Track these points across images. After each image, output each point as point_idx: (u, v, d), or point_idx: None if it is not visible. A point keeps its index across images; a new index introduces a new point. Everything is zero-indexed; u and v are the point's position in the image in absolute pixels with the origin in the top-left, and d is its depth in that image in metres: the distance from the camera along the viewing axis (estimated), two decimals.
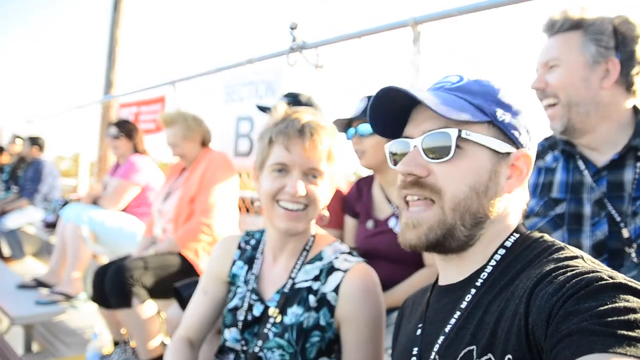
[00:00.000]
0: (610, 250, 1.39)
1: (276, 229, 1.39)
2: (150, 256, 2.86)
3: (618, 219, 1.38)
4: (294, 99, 2.62)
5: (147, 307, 2.71)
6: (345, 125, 2.15)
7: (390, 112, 0.99)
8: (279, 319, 1.36)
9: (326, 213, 1.45)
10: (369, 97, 2.12)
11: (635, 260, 1.35)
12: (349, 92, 3.13)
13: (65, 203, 4.77)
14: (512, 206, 0.95)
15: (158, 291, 2.77)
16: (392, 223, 2.07)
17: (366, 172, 2.36)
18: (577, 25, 1.44)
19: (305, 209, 1.36)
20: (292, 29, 3.26)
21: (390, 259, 2.04)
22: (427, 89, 1.00)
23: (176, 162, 3.43)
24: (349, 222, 2.31)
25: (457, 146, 0.89)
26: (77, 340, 3.57)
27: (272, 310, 1.37)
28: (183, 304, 2.21)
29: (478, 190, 0.89)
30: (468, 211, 0.89)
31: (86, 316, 4.00)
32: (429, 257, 1.99)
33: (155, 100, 5.18)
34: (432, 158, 0.91)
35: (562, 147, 1.56)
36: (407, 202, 0.96)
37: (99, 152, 7.03)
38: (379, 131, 1.04)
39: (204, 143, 3.21)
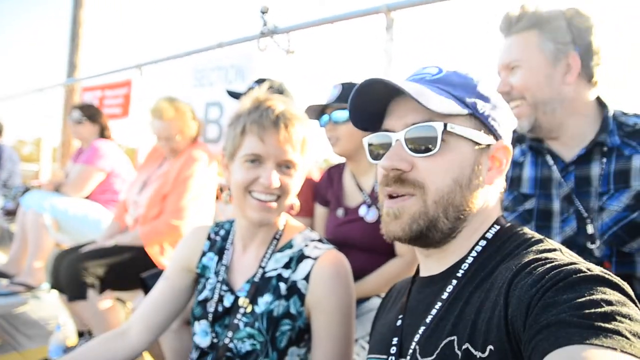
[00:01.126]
0: (579, 246, 1.40)
1: (248, 220, 1.37)
2: (110, 248, 2.79)
3: (585, 214, 1.39)
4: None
5: (104, 299, 2.66)
6: (318, 112, 2.12)
7: (369, 104, 0.97)
8: (249, 309, 1.33)
9: (296, 202, 1.43)
10: (343, 84, 2.09)
11: (597, 256, 1.36)
12: (320, 78, 3.10)
13: (26, 190, 4.59)
14: (492, 197, 0.96)
15: (116, 283, 2.72)
16: (362, 211, 2.06)
17: (337, 159, 2.34)
18: (532, 24, 1.44)
19: (278, 200, 1.34)
20: (263, 12, 3.19)
21: (360, 247, 2.03)
22: (405, 80, 0.98)
23: (154, 148, 3.30)
24: (320, 210, 2.29)
25: (442, 140, 0.88)
26: (40, 332, 3.45)
27: (242, 300, 1.35)
28: (148, 293, 2.17)
29: (461, 183, 0.89)
30: (451, 204, 0.89)
31: (49, 307, 3.88)
32: (400, 247, 1.99)
33: (121, 84, 5.02)
34: (416, 152, 0.90)
35: (530, 143, 1.57)
36: (389, 196, 0.95)
37: (61, 137, 6.81)
38: (358, 124, 1.02)
39: (194, 138, 3.07)
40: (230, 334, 1.33)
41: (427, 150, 0.89)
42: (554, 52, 1.41)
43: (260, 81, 2.61)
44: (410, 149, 0.90)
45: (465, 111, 0.90)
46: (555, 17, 1.42)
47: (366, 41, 2.84)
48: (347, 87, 2.07)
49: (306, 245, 1.39)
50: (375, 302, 1.97)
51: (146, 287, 2.19)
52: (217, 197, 3.94)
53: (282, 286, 1.33)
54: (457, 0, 2.38)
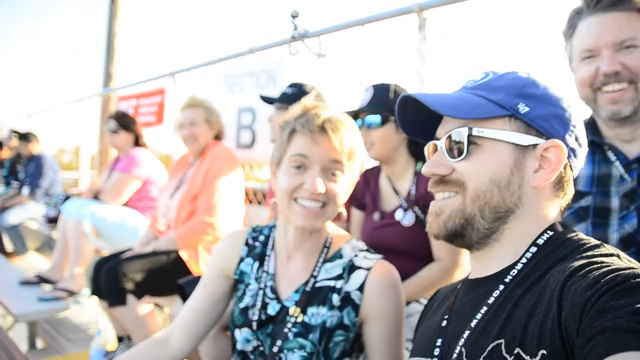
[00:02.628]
0: (639, 244, 1.34)
1: (293, 226, 1.36)
2: (147, 253, 2.84)
3: None
4: (298, 90, 2.57)
5: (143, 304, 2.70)
6: (352, 116, 2.09)
7: (422, 115, 1.00)
8: (300, 319, 1.33)
9: (343, 211, 1.41)
10: (374, 87, 2.06)
11: None
12: (352, 81, 3.07)
13: (67, 198, 4.73)
14: (543, 201, 0.92)
15: (154, 289, 2.77)
16: (399, 215, 2.03)
17: (371, 163, 2.31)
18: (637, 5, 1.32)
19: (324, 207, 1.32)
20: (293, 17, 3.19)
21: (397, 252, 1.99)
22: (452, 90, 1.03)
23: (182, 156, 3.37)
24: (356, 214, 2.26)
25: (472, 143, 0.91)
26: (81, 336, 3.54)
27: (293, 310, 1.34)
28: (186, 299, 2.18)
29: (499, 184, 0.89)
30: (488, 204, 0.90)
31: (90, 312, 3.97)
32: (439, 252, 1.94)
33: (155, 93, 5.12)
34: (452, 157, 0.94)
35: (592, 139, 1.47)
36: (435, 197, 1.00)
37: (99, 146, 7.00)
38: (412, 135, 1.08)
39: (218, 137, 3.16)
40: (279, 342, 1.32)
41: (460, 154, 0.93)
42: None
43: (293, 85, 2.61)
44: (449, 155, 0.95)
45: (503, 113, 0.90)
46: None
47: (398, 42, 2.79)
48: (378, 90, 2.04)
49: (356, 256, 1.38)
50: (413, 308, 1.93)
51: (183, 293, 2.20)
52: (250, 202, 3.96)
53: (335, 297, 1.33)
54: None
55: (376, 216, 2.10)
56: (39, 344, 3.42)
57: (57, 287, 3.58)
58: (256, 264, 1.47)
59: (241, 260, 1.49)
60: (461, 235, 0.92)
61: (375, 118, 2.00)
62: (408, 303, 1.93)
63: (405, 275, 1.93)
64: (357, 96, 2.14)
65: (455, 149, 0.93)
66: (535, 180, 0.90)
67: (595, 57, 1.37)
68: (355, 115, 2.07)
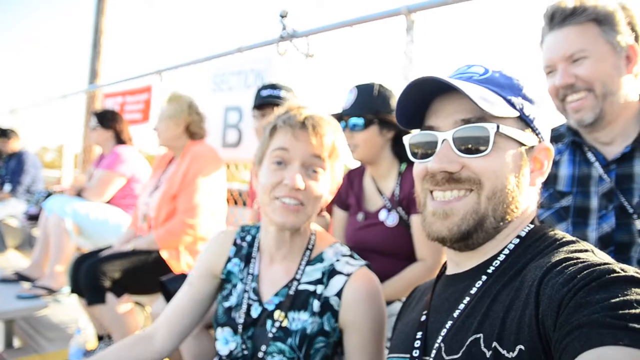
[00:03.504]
0: (617, 243, 1.38)
1: (273, 224, 1.34)
2: (127, 252, 2.81)
3: (631, 210, 1.37)
4: (272, 89, 2.60)
5: (123, 303, 2.67)
6: (336, 119, 2.09)
7: (411, 102, 0.96)
8: (285, 323, 1.31)
9: (327, 217, 1.41)
10: (358, 87, 2.06)
11: None
12: (340, 82, 3.08)
13: (49, 195, 4.66)
14: (532, 199, 0.96)
15: (134, 287, 2.75)
16: (382, 215, 2.03)
17: (355, 164, 2.31)
18: (592, 17, 1.40)
19: (304, 205, 1.31)
20: (282, 17, 3.19)
21: (380, 252, 2.00)
22: (452, 77, 0.97)
23: (163, 154, 3.35)
24: (339, 214, 2.25)
25: (494, 141, 0.87)
26: (60, 335, 3.48)
27: (278, 314, 1.33)
28: (169, 297, 2.16)
29: (512, 183, 0.89)
30: (502, 202, 0.89)
31: (69, 310, 3.91)
32: (422, 252, 1.95)
33: (142, 90, 5.08)
34: (466, 152, 0.89)
35: (572, 139, 1.53)
36: (433, 197, 0.93)
37: (83, 143, 6.91)
38: (403, 123, 1.01)
39: (191, 134, 3.09)
40: (264, 347, 1.31)
41: (478, 151, 0.88)
42: (618, 42, 1.39)
43: (269, 87, 2.63)
44: (459, 150, 0.89)
45: (514, 113, 0.90)
46: (613, 10, 1.40)
47: (386, 44, 2.81)
48: (362, 90, 2.05)
49: (337, 260, 1.36)
50: (396, 307, 1.93)
51: (166, 291, 2.18)
52: (235, 202, 3.94)
53: (315, 303, 1.31)
54: (478, 2, 2.34)
55: (360, 216, 2.10)
56: (16, 342, 3.36)
57: (36, 285, 3.51)
58: (242, 265, 1.46)
59: (229, 260, 1.48)
60: (469, 238, 0.89)
61: (359, 121, 2.00)
62: (390, 303, 1.93)
63: (388, 276, 1.94)
64: (344, 97, 2.14)
65: (471, 144, 0.88)
66: (531, 180, 0.93)
67: (554, 71, 1.46)
68: (339, 117, 2.06)
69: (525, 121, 0.92)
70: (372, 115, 2.00)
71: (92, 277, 2.61)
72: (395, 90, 2.08)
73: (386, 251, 1.99)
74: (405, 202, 1.99)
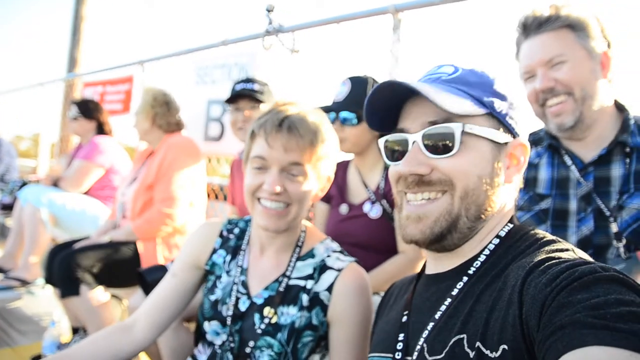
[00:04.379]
0: (595, 246, 1.41)
1: (259, 226, 1.35)
2: (103, 244, 2.76)
3: (607, 213, 1.39)
4: (246, 83, 2.60)
5: (97, 295, 2.63)
6: (326, 110, 2.08)
7: (383, 105, 0.96)
8: (274, 319, 1.31)
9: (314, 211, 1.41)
10: (352, 80, 2.06)
11: (623, 254, 1.36)
12: (325, 78, 3.07)
13: (24, 184, 4.55)
14: (509, 197, 0.96)
15: (109, 280, 2.70)
16: (366, 208, 2.04)
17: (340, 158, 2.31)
18: (567, 23, 1.43)
19: (287, 208, 1.30)
20: (268, 11, 3.17)
21: (360, 245, 2.00)
22: (421, 80, 0.99)
23: (144, 148, 3.31)
24: (320, 207, 2.25)
25: (461, 140, 0.87)
26: (34, 327, 3.40)
27: (268, 310, 1.33)
28: (146, 289, 2.13)
29: (486, 181, 0.89)
30: (474, 202, 0.89)
31: (43, 303, 3.82)
32: (402, 244, 1.96)
33: (123, 80, 4.99)
34: (435, 153, 0.89)
35: (549, 142, 1.56)
36: (408, 200, 0.94)
37: (60, 133, 6.76)
38: (374, 126, 1.02)
39: (160, 126, 3.02)
40: (252, 343, 1.31)
41: (446, 151, 0.88)
42: (593, 48, 1.42)
43: (243, 81, 2.62)
44: (428, 151, 0.89)
45: (483, 110, 0.90)
46: (586, 17, 1.44)
47: (372, 42, 2.81)
48: (355, 84, 2.04)
49: (328, 256, 1.37)
50: (375, 301, 1.95)
51: (144, 282, 2.15)
52: (216, 197, 3.91)
53: (305, 297, 1.32)
54: (466, 2, 2.36)
55: (343, 208, 2.10)
56: None
57: (9, 276, 3.44)
58: (228, 257, 1.45)
59: (214, 251, 1.47)
60: (443, 240, 0.89)
61: (351, 116, 2.00)
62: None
63: (368, 268, 1.95)
64: (328, 93, 2.14)
65: (439, 145, 0.88)
66: (507, 177, 0.93)
67: (533, 77, 1.49)
68: (329, 108, 2.06)
69: (497, 118, 0.91)
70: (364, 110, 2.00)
71: (66, 269, 2.56)
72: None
73: (367, 244, 2.00)
74: (390, 195, 2.00)
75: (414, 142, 0.91)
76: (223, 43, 3.66)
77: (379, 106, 0.96)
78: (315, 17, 3.07)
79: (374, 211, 2.01)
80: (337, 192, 2.17)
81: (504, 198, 0.93)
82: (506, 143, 0.92)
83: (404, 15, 2.61)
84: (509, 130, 0.93)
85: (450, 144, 0.87)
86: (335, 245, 1.43)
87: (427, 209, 0.90)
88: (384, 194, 2.02)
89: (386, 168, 2.07)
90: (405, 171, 0.90)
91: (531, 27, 1.47)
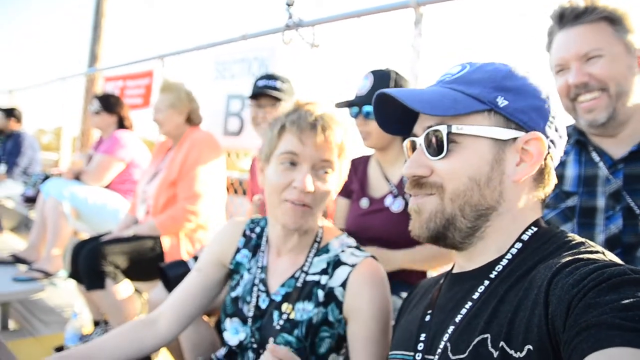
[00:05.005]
0: (624, 245, 1.37)
1: (281, 225, 1.33)
2: (128, 237, 2.79)
3: (638, 211, 1.35)
4: (268, 79, 2.60)
5: (122, 288, 2.66)
6: (349, 104, 2.07)
7: (399, 110, 0.98)
8: (292, 315, 1.31)
9: (331, 204, 1.40)
10: (374, 74, 2.03)
11: None
12: (344, 73, 3.05)
13: (46, 177, 4.63)
14: (524, 194, 0.91)
15: (134, 273, 2.73)
16: (388, 201, 2.01)
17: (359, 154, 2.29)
18: (604, 16, 1.38)
19: (312, 207, 1.31)
20: (288, 5, 3.15)
21: (380, 240, 1.97)
22: (435, 83, 1.00)
23: (162, 141, 3.33)
24: (341, 202, 2.23)
25: (452, 141, 0.89)
26: (56, 319, 3.47)
27: (286, 306, 1.33)
28: (167, 284, 2.15)
29: (479, 182, 0.88)
30: (468, 203, 0.88)
31: (66, 294, 3.90)
32: None
33: (143, 75, 5.03)
34: (432, 155, 0.91)
35: (577, 138, 1.52)
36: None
37: (82, 127, 6.86)
38: (390, 131, 1.06)
39: (190, 121, 3.09)
40: (271, 339, 1.30)
41: (439, 152, 0.90)
42: (630, 43, 1.37)
43: (266, 77, 2.62)
44: (428, 153, 0.92)
45: (482, 108, 0.88)
46: (625, 10, 1.39)
47: (394, 36, 2.78)
48: (379, 78, 2.01)
49: (343, 251, 1.36)
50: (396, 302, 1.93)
51: (165, 278, 2.17)
52: (235, 191, 3.92)
53: (320, 293, 1.31)
54: None
55: (364, 202, 2.08)
56: (12, 325, 3.34)
57: (32, 268, 3.50)
58: (250, 255, 1.47)
59: (237, 250, 1.48)
60: (444, 237, 0.91)
61: None
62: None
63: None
64: (349, 88, 2.12)
65: (434, 147, 0.91)
66: (516, 174, 0.89)
67: (565, 70, 1.44)
68: (352, 103, 2.04)
69: (502, 114, 0.88)
70: None
71: (92, 262, 2.60)
72: (410, 79, 2.06)
73: (387, 239, 1.97)
74: None
75: (419, 145, 0.94)
76: (243, 37, 3.66)
77: (390, 113, 1.00)
78: (335, 12, 3.04)
79: (396, 205, 1.99)
80: (358, 187, 2.15)
81: (514, 197, 0.90)
82: (515, 139, 0.89)
83: (426, 9, 2.57)
84: (519, 125, 0.89)
85: (441, 146, 0.90)
86: (351, 241, 1.41)
87: (420, 201, 0.93)
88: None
89: None
90: (406, 173, 0.94)
91: (568, 18, 1.42)
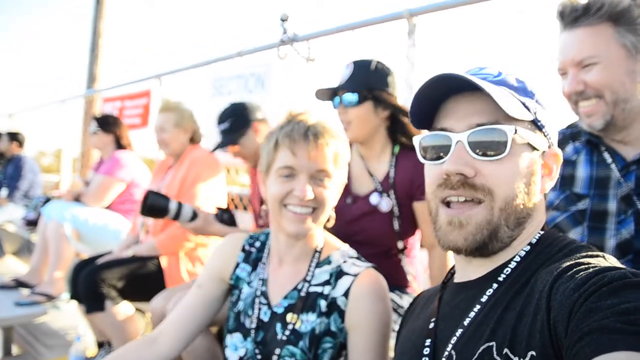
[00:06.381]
0: (636, 250, 1.33)
1: (284, 233, 1.36)
2: (127, 259, 2.78)
3: None
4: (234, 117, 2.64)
5: (122, 309, 2.65)
6: (331, 94, 2.00)
7: (427, 101, 0.93)
8: (298, 325, 1.32)
9: (333, 214, 1.42)
10: (355, 63, 1.97)
11: None
12: None
13: (47, 200, 4.62)
14: (542, 205, 0.94)
15: (133, 294, 2.72)
16: (374, 199, 1.93)
17: None
18: (606, 16, 1.32)
19: (314, 212, 1.34)
20: (283, 20, 3.17)
21: (375, 244, 1.91)
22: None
23: (163, 160, 3.33)
24: None
25: (511, 145, 0.84)
26: (60, 342, 3.45)
27: (291, 317, 1.34)
28: (145, 208, 2.21)
29: (524, 191, 0.87)
30: (514, 212, 0.87)
31: (69, 317, 3.88)
32: (429, 237, 1.92)
33: (141, 95, 5.06)
34: (482, 155, 0.85)
35: (588, 138, 1.47)
36: (446, 202, 0.90)
37: (81, 148, 6.88)
38: (416, 123, 0.97)
39: (193, 140, 3.10)
40: (277, 351, 1.30)
41: (495, 154, 0.85)
42: (635, 44, 1.31)
43: (227, 115, 2.66)
44: (475, 152, 0.85)
45: (530, 116, 0.88)
46: (629, 7, 1.31)
47: (388, 48, 2.79)
48: (358, 66, 1.95)
49: (344, 262, 1.38)
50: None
51: (146, 202, 2.20)
52: (235, 207, 3.92)
53: (323, 303, 1.33)
54: (481, 5, 2.33)
55: (348, 200, 1.98)
56: (15, 350, 3.32)
57: (35, 292, 3.49)
58: (249, 269, 1.48)
59: (237, 265, 1.49)
60: (485, 247, 0.86)
61: (353, 96, 1.90)
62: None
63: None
64: (338, 75, 2.06)
65: (488, 148, 0.85)
66: (544, 186, 0.92)
67: (565, 74, 1.41)
68: (334, 92, 1.98)
69: (537, 125, 0.90)
70: (367, 91, 1.90)
71: (90, 285, 2.59)
72: (394, 68, 2.01)
73: (379, 243, 1.93)
74: (400, 186, 1.92)
75: (457, 142, 0.87)
76: (239, 54, 3.68)
77: (423, 103, 0.92)
78: (329, 25, 3.06)
79: (384, 204, 1.91)
80: None
81: (539, 207, 0.92)
82: (544, 152, 0.91)
83: (419, 20, 2.58)
84: (547, 138, 0.92)
85: (499, 147, 0.84)
86: (353, 252, 1.44)
87: (468, 214, 0.86)
88: (393, 184, 1.93)
89: (394, 156, 1.97)
90: (452, 169, 0.86)
91: (568, 19, 1.37)
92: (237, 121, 2.63)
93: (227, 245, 1.54)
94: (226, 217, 2.32)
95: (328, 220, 1.42)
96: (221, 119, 2.70)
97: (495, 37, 2.35)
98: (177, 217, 2.23)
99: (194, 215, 2.25)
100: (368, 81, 1.92)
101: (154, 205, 2.21)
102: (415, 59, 2.60)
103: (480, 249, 0.87)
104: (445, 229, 0.90)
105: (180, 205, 2.24)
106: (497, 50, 2.32)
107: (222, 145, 2.64)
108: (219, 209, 2.35)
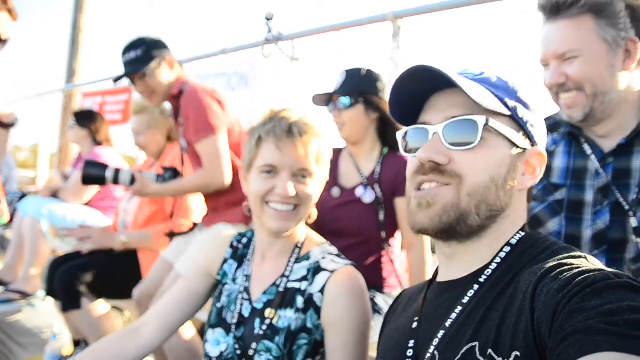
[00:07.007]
0: (610, 241, 1.35)
1: (266, 230, 1.36)
2: (103, 257, 2.75)
3: (626, 207, 1.33)
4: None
5: (99, 307, 2.63)
6: (326, 99, 2.16)
7: (407, 97, 0.95)
8: (275, 320, 1.31)
9: (314, 212, 1.42)
10: (347, 71, 2.12)
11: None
12: (324, 85, 3.07)
13: (23, 195, 4.53)
14: (521, 204, 0.95)
15: (110, 292, 2.71)
16: (359, 192, 2.08)
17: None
18: (587, 8, 1.32)
19: (296, 209, 1.33)
20: (267, 19, 3.17)
21: (351, 233, 2.03)
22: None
23: (145, 160, 3.30)
24: None
25: (482, 135, 0.87)
26: (35, 340, 3.37)
27: (269, 312, 1.33)
28: (83, 177, 2.34)
29: (497, 182, 0.88)
30: (484, 201, 0.88)
31: (44, 315, 3.79)
32: (410, 236, 2.03)
33: (122, 90, 5.00)
34: (454, 145, 0.88)
35: (568, 130, 1.49)
36: (419, 189, 0.92)
37: (59, 143, 6.76)
38: (397, 117, 1.01)
39: (170, 138, 3.08)
40: (254, 345, 1.30)
41: (466, 143, 0.87)
42: (616, 38, 1.32)
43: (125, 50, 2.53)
44: (448, 142, 0.88)
45: (507, 112, 0.90)
46: (611, 0, 1.32)
47: (372, 49, 2.82)
48: (350, 73, 2.11)
49: (323, 258, 1.37)
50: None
51: (82, 173, 2.31)
52: None
53: (300, 299, 1.32)
54: (465, 8, 2.36)
55: (335, 191, 2.13)
56: None
57: (9, 289, 3.41)
58: (235, 265, 1.47)
59: (225, 261, 1.49)
60: (452, 230, 0.88)
61: (346, 99, 2.07)
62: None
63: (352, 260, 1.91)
64: (333, 82, 2.17)
65: (460, 137, 0.88)
66: (522, 183, 0.92)
67: (548, 65, 1.42)
68: (329, 98, 2.14)
69: (518, 123, 0.92)
70: (359, 94, 2.08)
71: (66, 283, 2.56)
72: (384, 74, 2.16)
73: (356, 232, 2.04)
74: (384, 181, 2.06)
75: (434, 134, 0.90)
76: (223, 52, 3.66)
77: (405, 97, 0.95)
78: (314, 25, 3.08)
79: (367, 196, 2.06)
80: (329, 176, 2.15)
81: (516, 204, 0.92)
82: (524, 150, 0.92)
83: (404, 22, 2.61)
84: (529, 137, 0.93)
85: (471, 137, 0.87)
86: (333, 249, 1.43)
87: (434, 192, 0.89)
88: (378, 179, 2.07)
89: (382, 156, 2.13)
90: (424, 157, 0.89)
91: (549, 9, 1.37)
92: (148, 50, 2.46)
93: (216, 241, 1.54)
94: (168, 176, 2.40)
95: (309, 217, 1.42)
96: (128, 49, 2.49)
97: (479, 40, 2.39)
98: (115, 182, 2.36)
99: (133, 179, 2.37)
100: (359, 85, 2.10)
101: (91, 175, 2.30)
102: (399, 60, 2.63)
103: (447, 231, 0.89)
104: (414, 211, 0.92)
105: (117, 171, 2.35)
106: (480, 53, 2.37)
107: (126, 75, 2.49)
108: (163, 168, 2.43)
